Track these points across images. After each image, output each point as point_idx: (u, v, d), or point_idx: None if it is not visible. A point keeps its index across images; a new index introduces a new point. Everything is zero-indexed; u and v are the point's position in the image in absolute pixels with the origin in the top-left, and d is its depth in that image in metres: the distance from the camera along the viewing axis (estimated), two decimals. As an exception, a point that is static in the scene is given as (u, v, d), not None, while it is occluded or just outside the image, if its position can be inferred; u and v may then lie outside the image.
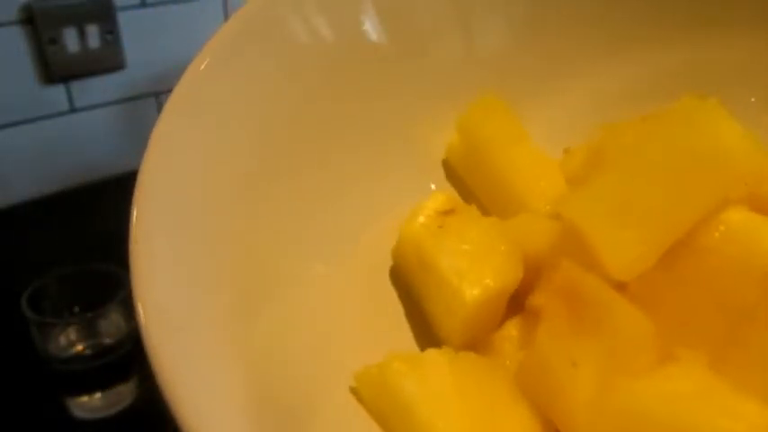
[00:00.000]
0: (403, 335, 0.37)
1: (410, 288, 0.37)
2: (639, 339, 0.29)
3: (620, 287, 0.30)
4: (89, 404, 0.80)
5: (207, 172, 0.30)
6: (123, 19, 1.08)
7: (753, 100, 0.41)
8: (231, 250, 0.30)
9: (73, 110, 1.10)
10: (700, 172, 0.29)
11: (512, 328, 0.35)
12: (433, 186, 0.42)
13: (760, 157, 0.30)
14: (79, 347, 0.80)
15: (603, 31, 0.43)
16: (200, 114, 0.31)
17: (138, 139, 1.14)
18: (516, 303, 0.35)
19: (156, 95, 1.16)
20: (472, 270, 0.33)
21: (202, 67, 0.31)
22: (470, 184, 0.43)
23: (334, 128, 0.37)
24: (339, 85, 0.37)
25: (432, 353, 0.32)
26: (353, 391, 0.32)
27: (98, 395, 0.79)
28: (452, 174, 0.43)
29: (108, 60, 1.09)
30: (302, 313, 0.33)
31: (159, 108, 1.14)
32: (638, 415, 0.27)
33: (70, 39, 1.04)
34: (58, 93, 1.08)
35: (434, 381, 0.30)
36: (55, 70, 1.05)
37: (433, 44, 0.40)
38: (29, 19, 1.01)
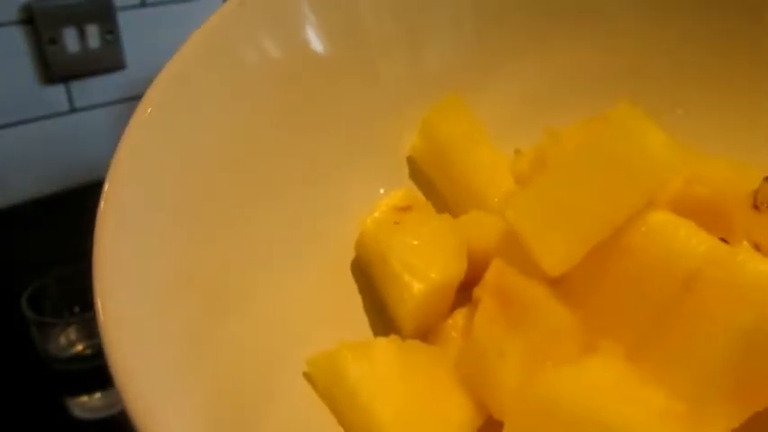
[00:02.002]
0: (362, 324, 0.41)
1: (370, 278, 0.42)
2: (562, 332, 0.33)
3: (554, 282, 0.34)
4: (89, 404, 0.83)
5: (168, 184, 0.34)
6: (123, 19, 1.11)
7: (680, 112, 0.45)
8: (193, 253, 0.34)
9: (73, 110, 1.13)
10: (625, 176, 0.33)
11: (459, 317, 0.39)
12: (398, 182, 0.46)
13: (680, 164, 0.34)
14: (79, 347, 0.84)
15: (540, 34, 0.47)
16: (163, 129, 0.34)
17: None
18: (467, 294, 0.39)
19: (155, 95, 1.17)
20: (420, 264, 0.38)
21: (162, 89, 0.35)
22: (434, 180, 0.47)
23: (302, 134, 0.41)
24: (301, 99, 0.41)
25: (380, 341, 0.36)
26: (306, 376, 0.36)
27: (98, 395, 0.83)
28: (417, 170, 0.47)
29: (108, 60, 1.12)
30: (266, 308, 0.37)
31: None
32: (555, 402, 0.31)
33: (70, 39, 1.07)
34: (58, 93, 1.11)
35: (379, 366, 0.34)
36: (55, 70, 1.08)
37: (382, 57, 0.44)
38: (29, 19, 1.03)
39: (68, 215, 1.09)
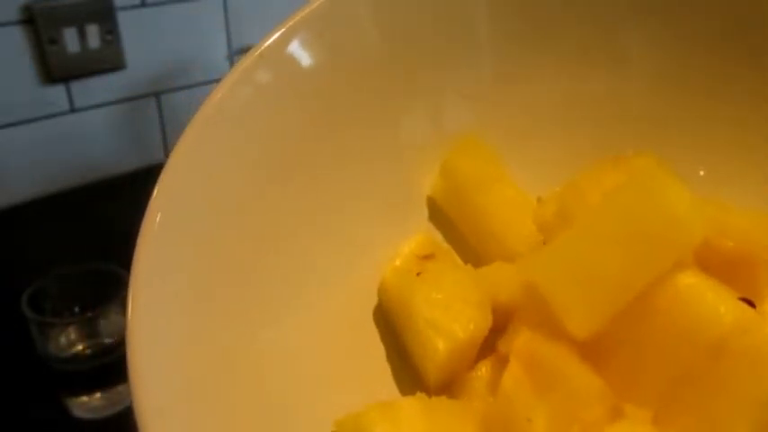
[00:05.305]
0: (386, 372, 0.41)
1: (393, 327, 0.42)
2: (589, 396, 0.33)
3: (580, 344, 0.34)
4: (89, 404, 0.83)
5: (186, 247, 0.34)
6: (123, 19, 1.11)
7: (702, 173, 0.44)
8: (211, 311, 0.34)
9: (73, 110, 1.13)
10: (651, 238, 0.33)
11: (484, 369, 0.39)
12: (418, 224, 0.46)
13: (706, 224, 0.33)
14: (79, 347, 0.84)
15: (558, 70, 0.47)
16: (191, 181, 0.34)
17: (138, 139, 1.17)
18: (491, 342, 0.39)
19: (155, 95, 1.18)
20: (444, 321, 0.38)
21: (195, 141, 0.35)
22: (455, 221, 0.47)
23: (322, 177, 0.41)
24: (322, 141, 0.40)
25: (406, 400, 0.36)
26: None
27: (98, 395, 0.83)
28: (438, 211, 0.47)
29: (108, 60, 1.12)
30: (288, 357, 0.37)
31: (159, 108, 1.17)
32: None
33: (70, 39, 1.07)
34: (58, 93, 1.10)
35: (405, 427, 0.34)
36: (55, 70, 1.07)
37: (401, 103, 0.44)
38: (29, 19, 1.03)
39: (68, 215, 1.11)
